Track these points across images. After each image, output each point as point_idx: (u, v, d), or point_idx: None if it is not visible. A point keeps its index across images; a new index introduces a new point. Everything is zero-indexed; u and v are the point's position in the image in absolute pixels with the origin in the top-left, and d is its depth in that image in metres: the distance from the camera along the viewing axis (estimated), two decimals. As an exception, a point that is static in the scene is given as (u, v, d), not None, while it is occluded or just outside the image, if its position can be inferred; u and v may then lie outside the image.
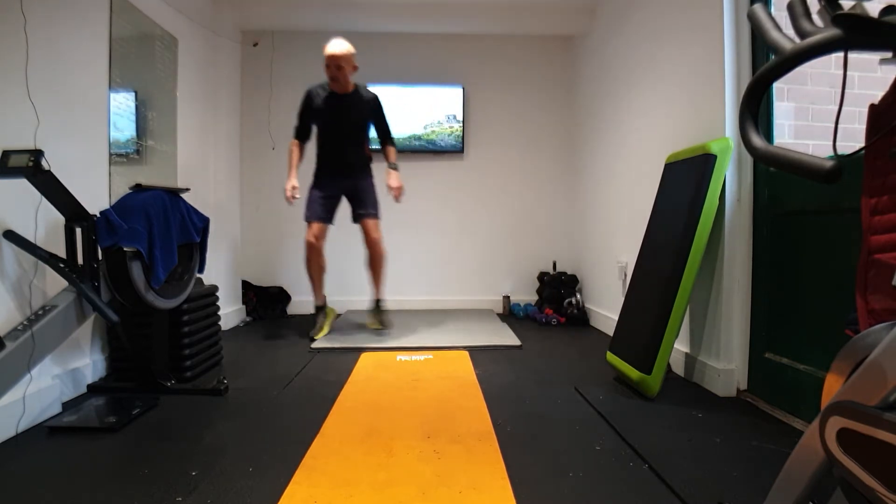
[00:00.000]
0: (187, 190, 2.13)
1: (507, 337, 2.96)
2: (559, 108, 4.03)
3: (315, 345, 2.75)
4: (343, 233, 3.93)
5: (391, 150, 3.03)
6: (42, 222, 1.74)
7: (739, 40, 1.94)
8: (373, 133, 3.04)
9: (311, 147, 3.00)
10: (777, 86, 2.15)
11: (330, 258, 3.94)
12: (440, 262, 4.03)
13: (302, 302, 3.66)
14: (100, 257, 1.74)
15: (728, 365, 1.94)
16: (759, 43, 1.89)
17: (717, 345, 1.98)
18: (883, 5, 0.65)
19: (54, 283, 1.75)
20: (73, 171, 1.83)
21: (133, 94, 2.41)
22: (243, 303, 3.59)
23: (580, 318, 3.47)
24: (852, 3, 0.65)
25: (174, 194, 2.02)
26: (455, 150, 3.95)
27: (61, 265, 1.66)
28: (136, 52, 2.42)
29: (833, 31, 0.66)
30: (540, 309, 3.65)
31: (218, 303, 2.41)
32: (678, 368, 2.22)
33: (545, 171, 4.05)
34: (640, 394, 1.93)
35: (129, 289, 1.76)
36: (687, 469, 1.33)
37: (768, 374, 1.84)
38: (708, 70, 2.04)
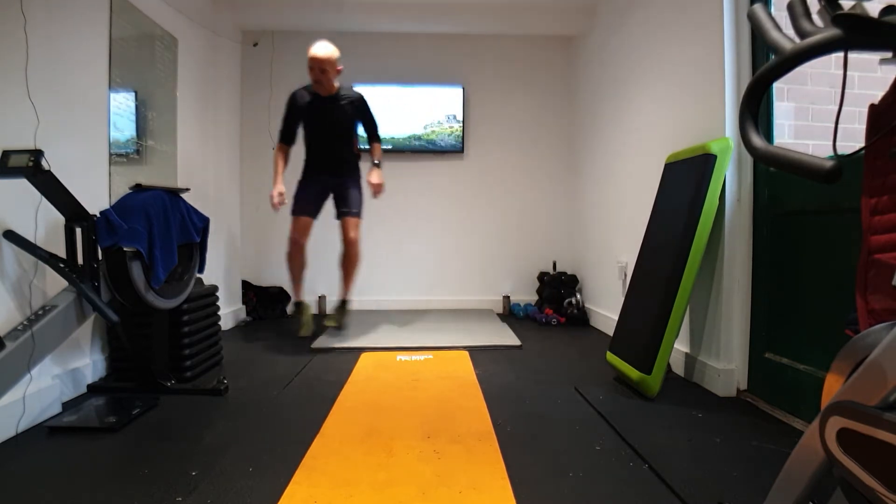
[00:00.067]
0: (187, 190, 2.14)
1: (507, 337, 2.96)
2: (559, 108, 4.03)
3: (315, 345, 2.75)
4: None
5: (376, 147, 3.03)
6: (42, 222, 1.74)
7: (739, 40, 1.94)
8: (362, 130, 3.05)
9: (299, 143, 2.99)
10: (777, 86, 2.15)
11: (330, 258, 3.94)
12: (440, 261, 4.03)
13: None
14: (100, 257, 1.74)
15: (728, 365, 1.94)
16: (759, 43, 1.89)
17: (717, 345, 1.98)
18: (883, 5, 0.65)
19: (54, 283, 1.75)
20: (73, 171, 1.83)
21: (133, 94, 2.41)
22: (243, 303, 3.59)
23: (580, 318, 3.47)
24: (852, 3, 0.65)
25: (174, 194, 2.02)
26: (455, 150, 3.95)
27: (61, 265, 1.66)
28: (136, 52, 2.42)
29: (833, 31, 0.66)
30: (540, 309, 3.65)
31: (218, 303, 2.41)
32: (678, 368, 2.22)
33: (545, 171, 4.05)
34: (640, 394, 1.93)
35: (129, 289, 1.76)
36: (687, 469, 1.33)
37: (768, 374, 1.84)
38: (708, 70, 2.04)
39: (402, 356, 2.55)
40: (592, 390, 2.00)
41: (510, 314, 3.85)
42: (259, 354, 2.60)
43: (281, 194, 2.82)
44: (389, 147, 3.90)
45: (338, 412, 1.77)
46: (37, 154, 1.47)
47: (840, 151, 0.71)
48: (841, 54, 0.69)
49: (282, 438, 1.54)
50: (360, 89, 3.78)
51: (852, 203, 1.48)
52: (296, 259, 2.92)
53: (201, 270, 2.18)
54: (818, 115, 2.27)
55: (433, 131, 3.91)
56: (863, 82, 2.15)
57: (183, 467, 1.34)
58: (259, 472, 1.32)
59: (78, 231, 1.70)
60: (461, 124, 3.91)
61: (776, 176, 1.84)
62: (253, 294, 3.65)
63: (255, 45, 3.83)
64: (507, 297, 3.97)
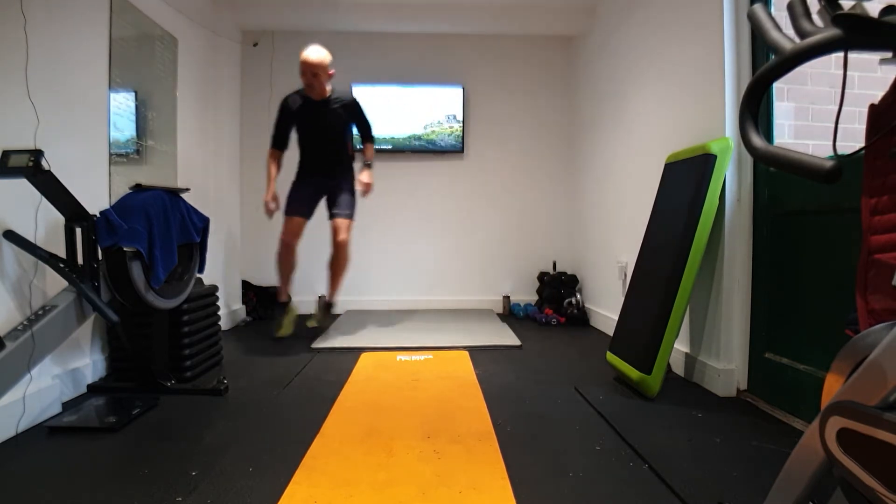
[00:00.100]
0: (187, 190, 2.14)
1: (507, 337, 2.96)
2: (559, 108, 4.03)
3: (315, 345, 2.75)
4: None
5: (369, 148, 3.03)
6: (42, 222, 1.74)
7: (739, 40, 1.94)
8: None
9: (292, 146, 2.99)
10: (777, 86, 2.15)
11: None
12: (440, 261, 4.03)
13: (302, 302, 3.66)
14: (100, 257, 1.74)
15: (728, 365, 1.94)
16: (759, 43, 1.89)
17: (717, 345, 1.98)
18: (883, 5, 0.65)
19: (54, 283, 1.75)
20: (73, 171, 1.83)
21: (133, 94, 2.41)
22: (243, 303, 3.59)
23: (580, 318, 3.47)
24: (852, 3, 0.65)
25: (174, 194, 2.02)
26: (455, 150, 3.95)
27: (61, 265, 1.66)
28: (136, 52, 2.42)
29: (833, 31, 0.66)
30: (540, 309, 3.65)
31: (218, 303, 2.41)
32: (678, 368, 2.22)
33: (545, 171, 4.05)
34: (640, 394, 1.93)
35: (129, 289, 1.76)
36: (687, 469, 1.33)
37: (768, 374, 1.84)
38: (708, 70, 2.04)
39: (402, 356, 2.55)
40: (592, 390, 2.00)
41: (510, 314, 3.85)
42: (259, 354, 2.60)
43: (275, 199, 2.82)
44: (389, 147, 3.91)
45: (338, 412, 1.77)
46: (37, 154, 1.47)
47: (840, 151, 0.71)
48: (841, 54, 0.69)
49: (282, 438, 1.54)
50: (360, 89, 3.83)
51: (852, 203, 1.48)
52: (286, 260, 2.91)
53: (201, 270, 2.18)
54: (818, 115, 2.27)
55: (433, 131, 3.91)
56: (863, 82, 2.15)
57: (183, 467, 1.34)
58: (259, 472, 1.32)
59: (78, 231, 1.70)
60: (461, 124, 3.91)
61: (776, 176, 1.84)
62: (253, 294, 3.65)
63: (255, 45, 3.83)
64: (507, 297, 3.96)
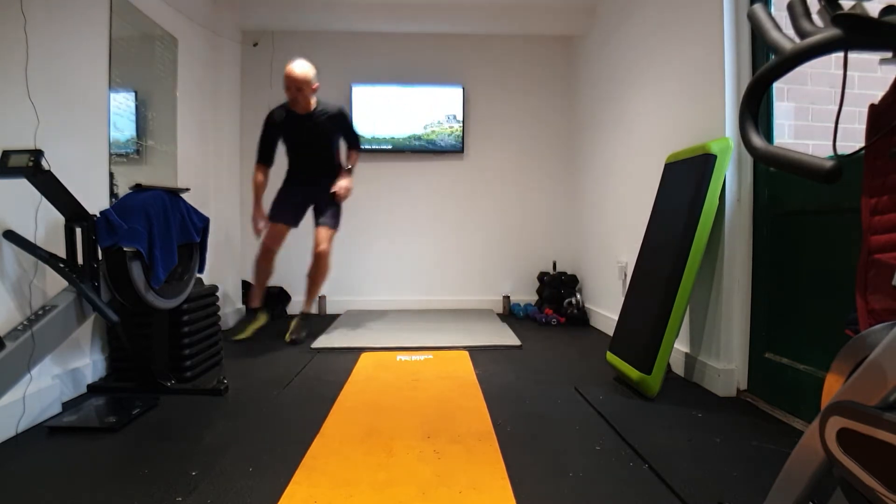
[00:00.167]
0: (187, 190, 2.13)
1: (507, 337, 2.96)
2: (559, 108, 4.03)
3: (315, 345, 2.75)
4: (346, 234, 3.93)
5: (353, 155, 3.01)
6: (42, 222, 1.74)
7: (739, 40, 1.94)
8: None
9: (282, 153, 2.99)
10: (777, 86, 2.15)
11: (334, 258, 3.94)
12: (440, 261, 4.03)
13: (302, 302, 3.66)
14: (100, 257, 1.74)
15: (728, 365, 1.94)
16: (759, 43, 1.89)
17: (717, 345, 1.98)
18: (883, 5, 0.65)
19: (54, 283, 1.75)
20: (73, 171, 1.83)
21: (133, 94, 2.41)
22: (243, 303, 3.59)
23: (580, 318, 3.47)
24: (852, 3, 0.65)
25: (174, 194, 2.02)
26: (455, 150, 3.95)
27: (61, 265, 1.66)
28: (136, 52, 2.42)
29: (833, 31, 0.66)
30: (540, 309, 3.65)
31: (218, 303, 2.41)
32: (678, 368, 2.22)
33: (545, 171, 4.05)
34: (640, 394, 1.93)
35: (129, 289, 1.76)
36: (687, 469, 1.33)
37: (768, 374, 1.84)
38: (708, 70, 2.04)
39: (402, 356, 2.55)
40: (592, 390, 2.00)
41: (510, 314, 3.85)
42: (259, 354, 2.60)
43: (263, 217, 2.83)
44: (389, 147, 3.91)
45: (338, 412, 1.77)
46: (37, 154, 1.47)
47: (840, 151, 0.71)
48: (841, 54, 0.69)
49: (282, 438, 1.54)
50: (360, 89, 3.83)
51: (852, 203, 1.48)
52: (264, 265, 2.90)
53: (201, 270, 2.18)
54: (818, 115, 2.27)
55: (433, 131, 3.91)
56: (863, 82, 2.15)
57: (183, 467, 1.34)
58: (259, 472, 1.32)
59: (78, 231, 1.70)
60: (461, 124, 3.91)
61: (776, 176, 1.84)
62: (253, 294, 3.64)
63: (255, 45, 3.83)
64: (507, 297, 3.97)
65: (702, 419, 1.70)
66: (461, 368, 2.33)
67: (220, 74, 3.36)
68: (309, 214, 3.02)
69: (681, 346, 2.22)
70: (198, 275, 2.17)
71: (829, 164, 0.63)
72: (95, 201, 1.99)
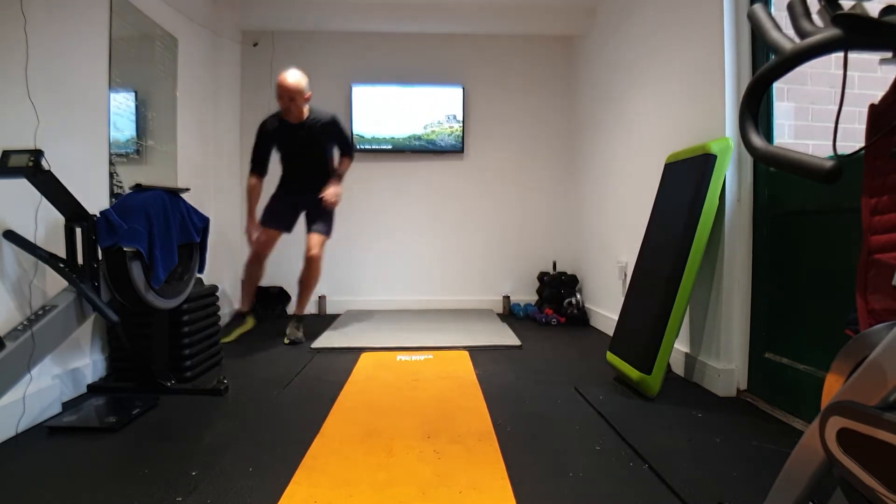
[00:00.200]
0: (187, 190, 2.13)
1: (507, 337, 2.96)
2: (559, 108, 4.03)
3: (315, 345, 2.75)
4: (346, 234, 3.94)
5: (345, 162, 3.00)
6: (42, 222, 1.74)
7: (739, 40, 1.94)
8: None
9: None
10: (777, 86, 2.15)
11: (330, 259, 3.94)
12: (440, 262, 4.03)
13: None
14: (100, 257, 1.74)
15: (728, 365, 1.94)
16: (759, 43, 1.89)
17: (717, 345, 1.98)
18: (883, 5, 0.65)
19: (54, 283, 1.75)
20: (73, 172, 1.83)
21: (133, 94, 2.41)
22: (243, 303, 3.59)
23: (580, 318, 3.47)
24: (852, 3, 0.65)
25: (174, 194, 2.02)
26: (455, 150, 3.95)
27: (61, 265, 1.66)
28: (136, 52, 2.42)
29: (833, 31, 0.66)
30: (540, 309, 3.65)
31: (218, 303, 2.41)
32: (678, 368, 2.22)
33: (545, 171, 4.05)
34: (640, 394, 1.93)
35: (129, 289, 1.76)
36: (687, 469, 1.33)
37: (768, 374, 1.84)
38: (708, 70, 2.04)
39: (402, 356, 2.55)
40: (592, 390, 2.00)
41: (510, 314, 3.85)
42: (259, 354, 2.60)
43: (257, 228, 2.84)
44: (389, 147, 3.91)
45: (338, 412, 1.77)
46: (37, 154, 1.47)
47: (840, 151, 0.71)
48: (841, 54, 0.69)
49: (282, 438, 1.54)
50: (360, 89, 3.83)
51: (852, 203, 1.48)
52: (253, 269, 2.90)
53: (201, 270, 2.18)
54: (818, 115, 2.26)
55: (433, 131, 3.91)
56: (863, 82, 2.15)
57: (183, 467, 1.34)
58: (259, 472, 1.32)
59: (78, 231, 1.70)
60: (461, 124, 3.91)
61: (776, 176, 1.84)
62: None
63: (255, 45, 3.83)
64: (507, 297, 3.97)
65: (702, 419, 1.70)
66: (461, 368, 2.33)
67: (220, 74, 3.37)
68: (302, 220, 3.02)
69: (681, 346, 2.22)
70: (198, 275, 2.17)
71: (829, 164, 0.63)
72: (95, 201, 1.99)
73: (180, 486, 1.24)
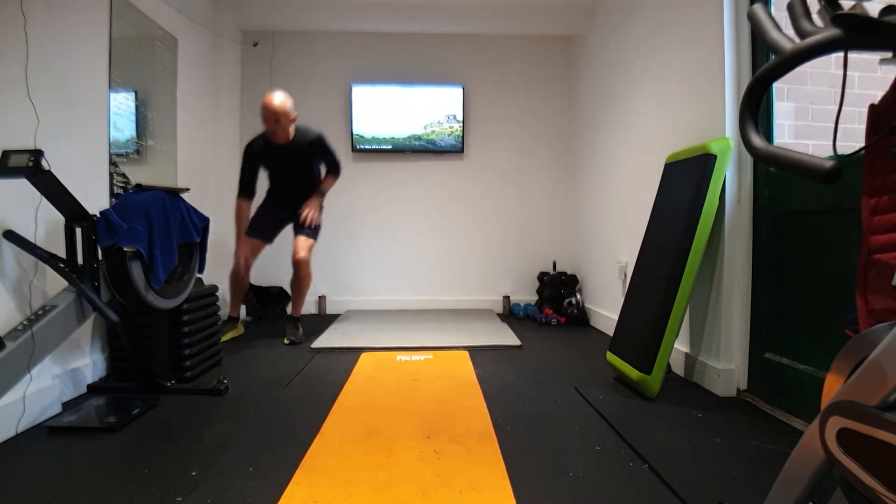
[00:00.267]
0: (187, 190, 2.13)
1: (507, 337, 2.96)
2: (559, 108, 4.03)
3: (315, 345, 2.75)
4: (346, 234, 3.94)
5: (330, 179, 3.00)
6: (42, 222, 1.74)
7: (739, 40, 1.94)
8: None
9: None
10: (777, 86, 2.15)
11: (331, 259, 3.95)
12: (440, 262, 4.03)
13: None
14: (100, 257, 1.74)
15: (728, 365, 1.94)
16: (759, 43, 1.89)
17: (717, 345, 1.98)
18: (883, 5, 0.65)
19: (54, 283, 1.75)
20: (73, 172, 1.83)
21: (133, 94, 2.41)
22: (243, 303, 3.59)
23: (580, 318, 3.47)
24: (852, 3, 0.65)
25: (174, 194, 2.02)
26: (455, 150, 3.95)
27: (61, 265, 1.66)
28: (136, 52, 2.42)
29: (833, 31, 0.66)
30: (540, 309, 3.65)
31: (218, 303, 2.41)
32: (678, 368, 2.22)
33: (545, 171, 4.05)
34: (640, 394, 1.93)
35: (129, 289, 1.76)
36: (687, 469, 1.33)
37: (768, 374, 1.84)
38: (708, 70, 2.04)
39: (402, 356, 2.55)
40: (592, 390, 2.00)
41: (510, 314, 3.85)
42: (259, 354, 2.60)
43: (247, 259, 2.86)
44: (389, 147, 3.91)
45: (338, 412, 1.77)
46: (37, 154, 1.47)
47: (840, 151, 0.71)
48: (841, 54, 0.69)
49: (282, 438, 1.54)
50: (360, 89, 3.83)
51: (852, 203, 1.48)
52: (238, 279, 2.90)
53: (201, 270, 2.18)
54: (818, 115, 2.26)
55: (433, 131, 3.91)
56: (863, 82, 2.15)
57: (183, 467, 1.34)
58: (259, 472, 1.32)
59: (78, 231, 1.70)
60: (461, 124, 3.91)
61: (776, 176, 1.84)
62: (253, 294, 3.65)
63: (255, 45, 3.83)
64: (507, 297, 3.97)
65: (702, 419, 1.70)
66: (461, 368, 2.33)
67: (220, 74, 3.37)
68: (288, 230, 3.05)
69: (681, 346, 2.22)
70: (198, 275, 2.17)
71: (829, 164, 0.63)
72: (95, 201, 1.99)
73: (180, 486, 1.24)
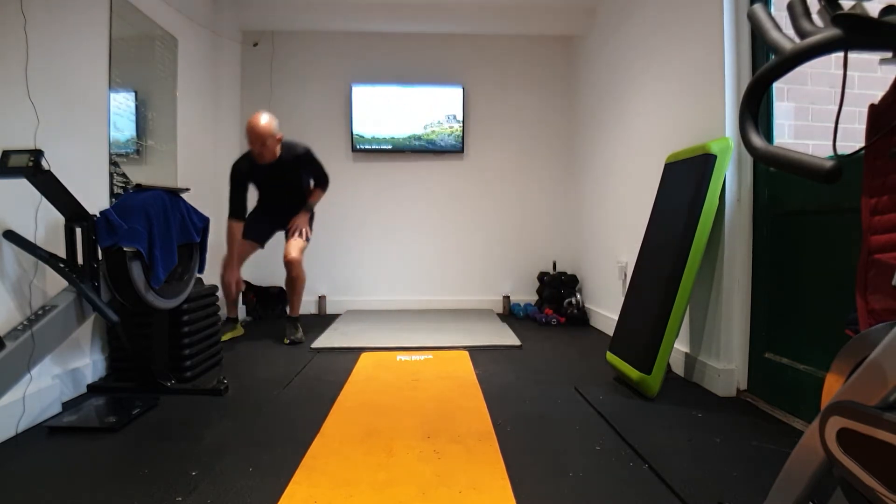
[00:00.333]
0: (187, 190, 2.13)
1: (507, 337, 2.96)
2: (559, 108, 4.03)
3: (315, 345, 2.75)
4: (347, 233, 3.94)
5: (317, 193, 3.01)
6: (42, 222, 1.74)
7: (739, 40, 1.94)
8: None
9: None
10: (777, 86, 2.15)
11: (331, 259, 3.95)
12: (440, 262, 4.03)
13: (302, 302, 3.66)
14: (100, 257, 1.74)
15: (728, 365, 1.94)
16: (759, 43, 1.89)
17: (717, 345, 1.98)
18: (883, 5, 0.65)
19: (54, 283, 1.75)
20: (73, 172, 1.83)
21: (133, 94, 2.41)
22: (243, 303, 3.59)
23: (580, 318, 3.47)
24: (852, 3, 0.65)
25: (174, 194, 2.02)
26: (455, 150, 3.95)
27: (61, 265, 1.66)
28: (136, 52, 2.42)
29: (833, 31, 0.66)
30: (540, 309, 3.65)
31: (218, 303, 2.41)
32: (678, 368, 2.22)
33: (545, 171, 4.05)
34: (640, 394, 1.93)
35: (129, 289, 1.76)
36: (687, 469, 1.33)
37: (768, 374, 1.84)
38: (708, 70, 2.04)
39: (402, 356, 2.55)
40: (592, 390, 2.00)
41: (510, 314, 3.85)
42: (259, 354, 2.60)
43: (238, 282, 2.86)
44: (389, 147, 3.91)
45: (338, 412, 1.77)
46: (37, 154, 1.47)
47: (840, 151, 0.71)
48: (841, 54, 0.69)
49: (282, 438, 1.54)
50: (360, 89, 3.83)
51: (852, 203, 1.48)
52: (229, 280, 2.89)
53: (201, 270, 2.18)
54: (818, 115, 2.26)
55: (433, 131, 3.91)
56: (863, 82, 2.15)
57: (183, 467, 1.34)
58: (259, 472, 1.32)
59: (78, 231, 1.70)
60: (461, 124, 3.91)
61: (776, 176, 1.84)
62: (253, 294, 3.65)
63: (255, 45, 3.83)
64: (507, 297, 3.97)
65: (702, 419, 1.70)
66: (461, 368, 2.33)
67: (220, 74, 3.37)
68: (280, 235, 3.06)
69: (681, 346, 2.22)
70: (198, 275, 2.17)
71: (829, 164, 0.63)
72: (95, 201, 1.99)
73: (180, 486, 1.24)
